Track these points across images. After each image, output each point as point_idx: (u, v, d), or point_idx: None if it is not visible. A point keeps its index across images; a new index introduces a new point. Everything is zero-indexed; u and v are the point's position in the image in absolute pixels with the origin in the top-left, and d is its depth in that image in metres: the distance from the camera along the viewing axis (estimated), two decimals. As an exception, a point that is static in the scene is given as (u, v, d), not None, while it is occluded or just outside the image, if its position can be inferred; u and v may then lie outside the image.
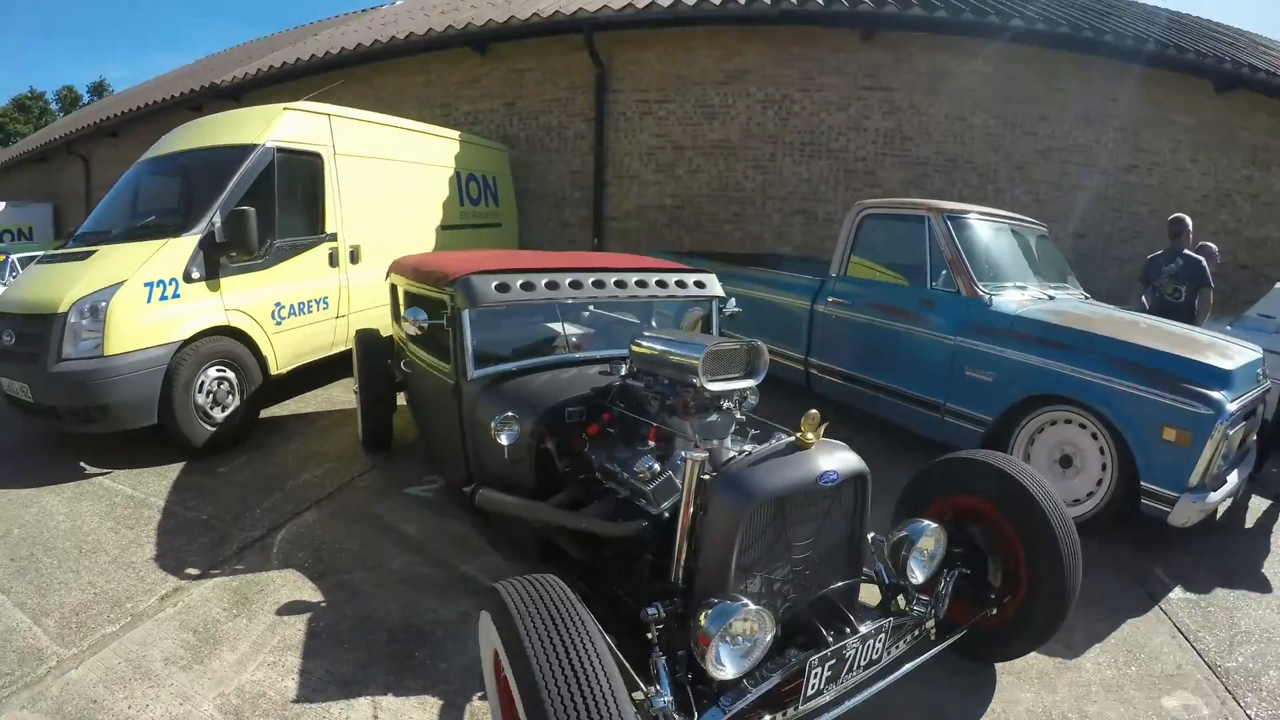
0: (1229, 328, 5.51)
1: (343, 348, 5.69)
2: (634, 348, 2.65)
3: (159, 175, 5.44)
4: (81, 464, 4.35)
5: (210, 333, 4.59)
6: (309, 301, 5.38)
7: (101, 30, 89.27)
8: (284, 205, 5.15)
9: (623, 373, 2.88)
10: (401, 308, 4.03)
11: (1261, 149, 8.02)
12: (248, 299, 4.86)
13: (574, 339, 3.55)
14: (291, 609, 2.91)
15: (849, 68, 8.39)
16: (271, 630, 2.77)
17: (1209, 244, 6.20)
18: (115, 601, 2.94)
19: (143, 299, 4.27)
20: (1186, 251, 5.51)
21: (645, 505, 2.35)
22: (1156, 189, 8.19)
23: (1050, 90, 8.17)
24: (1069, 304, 4.56)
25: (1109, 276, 7.92)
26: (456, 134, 7.82)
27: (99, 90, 39.59)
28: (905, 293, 4.72)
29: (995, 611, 2.42)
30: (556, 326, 3.59)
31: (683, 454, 2.17)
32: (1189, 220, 5.60)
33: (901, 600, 2.25)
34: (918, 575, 2.19)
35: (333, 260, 5.59)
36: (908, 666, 2.13)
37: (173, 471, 4.29)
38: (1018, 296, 4.42)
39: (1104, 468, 3.67)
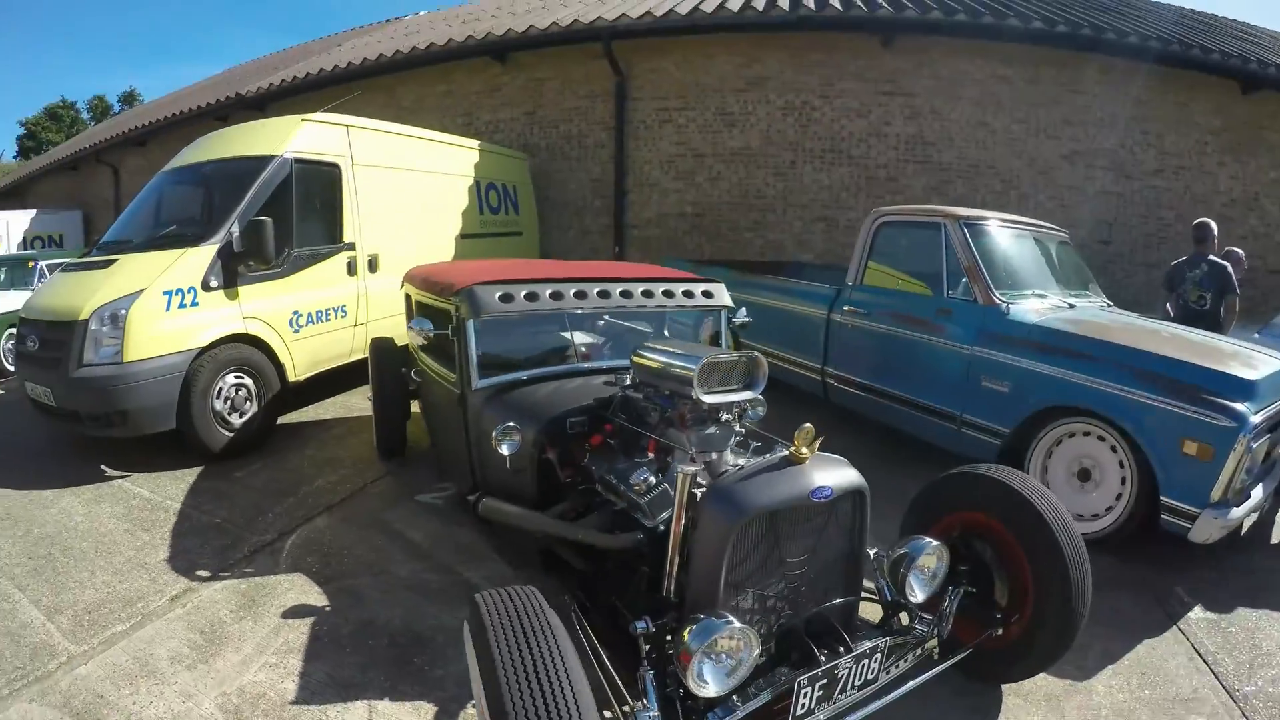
0: (1257, 335, 5.32)
1: (361, 355, 5.75)
2: (634, 359, 2.64)
3: (180, 185, 5.56)
4: (102, 466, 4.46)
5: (228, 340, 4.67)
6: (327, 310, 5.45)
7: (132, 42, 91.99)
8: (302, 215, 5.23)
9: (625, 384, 2.88)
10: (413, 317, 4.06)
11: (1291, 151, 7.81)
12: (266, 307, 4.94)
13: (583, 349, 3.53)
14: (297, 612, 2.96)
15: (869, 73, 8.33)
16: (276, 633, 2.81)
17: (1235, 249, 6.04)
18: (127, 601, 3.01)
19: (161, 307, 4.36)
20: (1211, 257, 5.37)
21: (641, 518, 2.34)
22: (1183, 193, 8.01)
23: (1073, 93, 8.03)
24: (1089, 312, 4.45)
25: (1135, 283, 7.75)
26: (476, 143, 7.89)
27: (129, 100, 40.55)
28: (922, 301, 4.64)
29: (1001, 631, 2.35)
30: (566, 336, 3.58)
31: (677, 466, 2.15)
32: (1214, 225, 5.46)
33: (903, 618, 2.21)
34: (918, 594, 2.15)
35: (351, 269, 5.67)
36: (908, 685, 2.09)
37: (190, 476, 4.38)
38: (1037, 305, 4.32)
39: (1123, 481, 3.56)
